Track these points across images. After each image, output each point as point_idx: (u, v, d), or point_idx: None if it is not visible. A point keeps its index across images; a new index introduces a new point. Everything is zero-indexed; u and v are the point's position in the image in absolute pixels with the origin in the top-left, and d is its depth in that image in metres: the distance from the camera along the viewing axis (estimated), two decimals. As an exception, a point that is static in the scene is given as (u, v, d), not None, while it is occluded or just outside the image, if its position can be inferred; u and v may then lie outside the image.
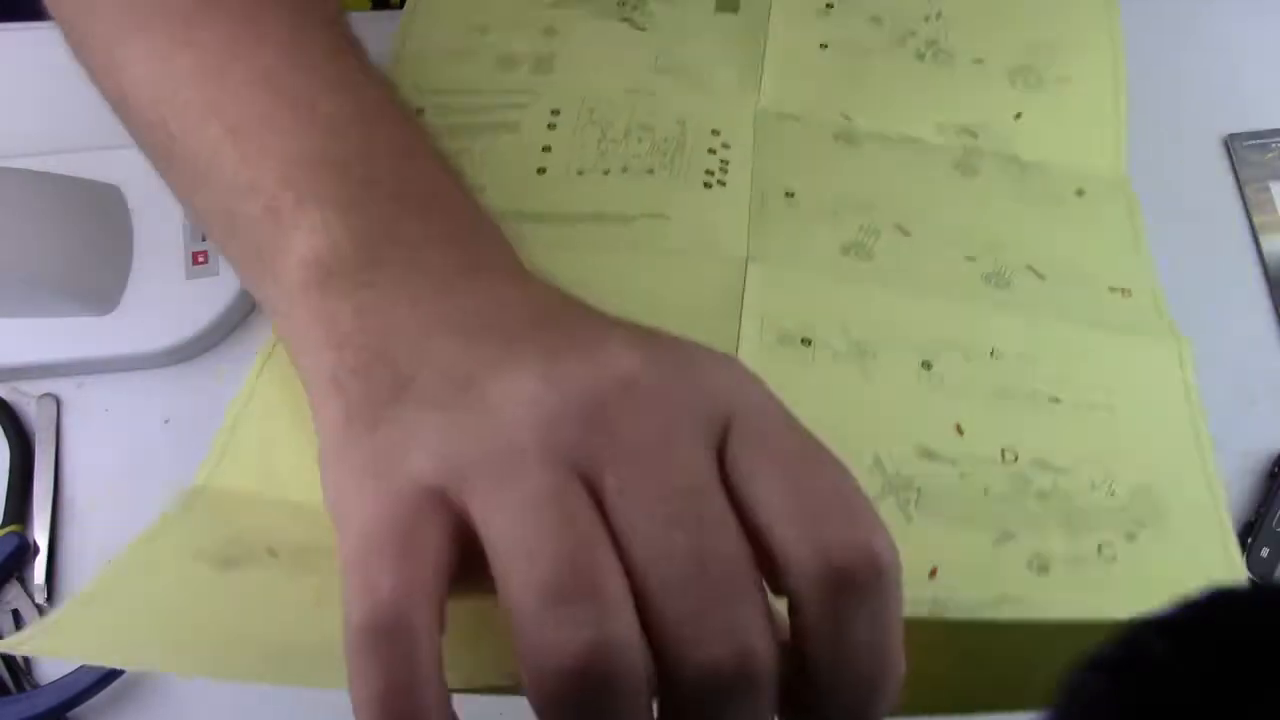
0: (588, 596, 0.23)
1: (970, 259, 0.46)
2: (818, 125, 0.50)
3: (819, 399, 0.42)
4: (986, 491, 0.40)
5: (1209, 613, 0.27)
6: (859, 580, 0.24)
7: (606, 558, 0.24)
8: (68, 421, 0.55)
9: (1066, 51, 0.55)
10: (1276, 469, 0.54)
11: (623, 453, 0.25)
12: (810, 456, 0.26)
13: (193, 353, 0.56)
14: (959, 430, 0.42)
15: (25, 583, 0.52)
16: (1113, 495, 0.41)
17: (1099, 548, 0.40)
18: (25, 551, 0.52)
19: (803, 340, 0.43)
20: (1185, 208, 0.60)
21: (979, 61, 0.53)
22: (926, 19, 0.54)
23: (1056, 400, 0.43)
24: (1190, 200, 0.60)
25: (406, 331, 0.29)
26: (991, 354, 0.44)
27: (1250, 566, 0.53)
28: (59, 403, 0.55)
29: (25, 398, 0.55)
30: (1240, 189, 0.60)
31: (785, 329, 0.43)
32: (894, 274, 0.45)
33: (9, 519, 0.53)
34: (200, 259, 0.55)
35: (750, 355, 0.43)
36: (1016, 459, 0.41)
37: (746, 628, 0.24)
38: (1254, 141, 0.61)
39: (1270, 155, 0.60)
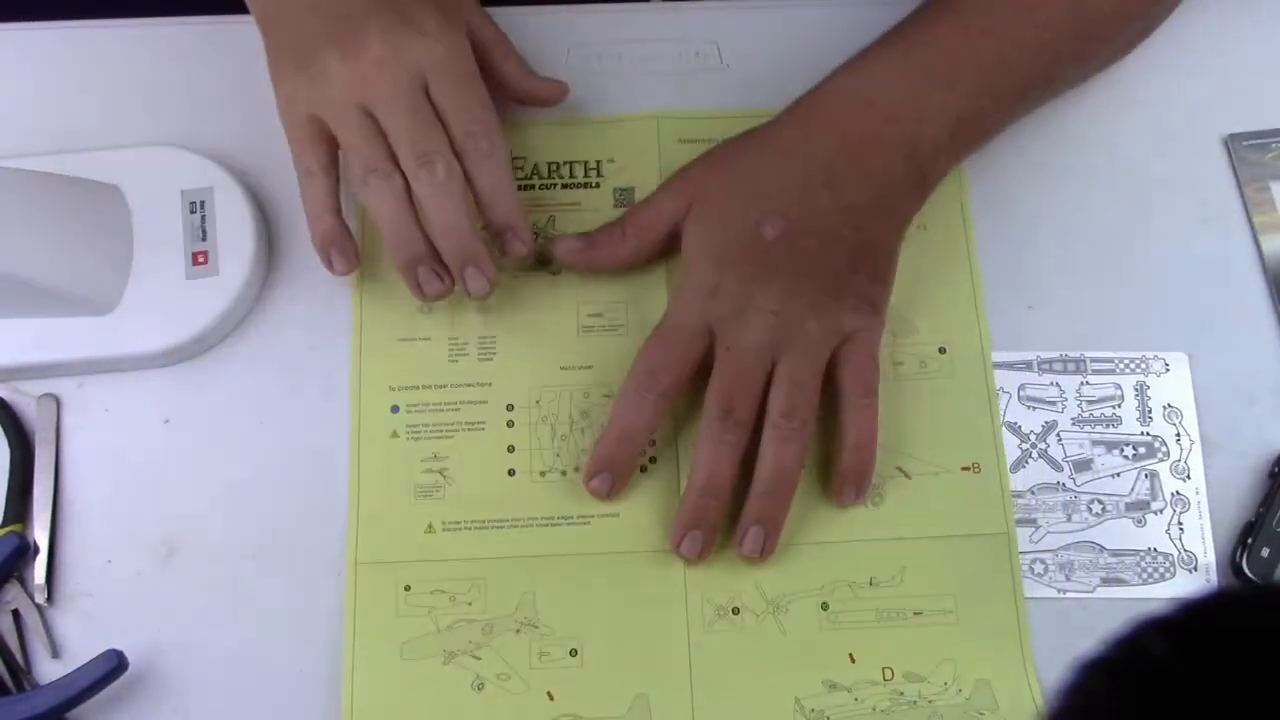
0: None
1: None
2: None
3: (750, 657, 0.53)
4: (874, 709, 0.52)
5: (1209, 612, 0.27)
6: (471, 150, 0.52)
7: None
8: (68, 421, 0.55)
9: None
10: (1276, 469, 0.54)
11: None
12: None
13: (193, 353, 0.56)
14: (851, 659, 0.52)
15: (25, 583, 0.52)
16: (960, 692, 0.52)
17: None
18: (25, 551, 0.52)
19: (733, 610, 0.53)
20: (1185, 208, 0.60)
21: None
22: None
23: (919, 613, 0.53)
24: (1190, 200, 0.60)
25: None
26: (871, 582, 0.54)
27: (1250, 566, 0.53)
28: (59, 403, 0.55)
29: (25, 398, 0.55)
30: (1240, 189, 0.60)
31: (720, 604, 0.53)
32: (793, 520, 0.53)
33: (9, 519, 0.53)
34: (200, 259, 0.55)
35: (696, 632, 0.53)
36: (893, 675, 0.52)
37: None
38: (1254, 141, 0.61)
39: (1270, 155, 0.60)
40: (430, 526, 0.54)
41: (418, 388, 0.56)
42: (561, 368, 0.56)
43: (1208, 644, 0.26)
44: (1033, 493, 0.55)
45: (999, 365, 0.57)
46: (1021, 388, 0.56)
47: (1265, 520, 0.53)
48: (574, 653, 0.52)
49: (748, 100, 0.60)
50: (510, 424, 0.56)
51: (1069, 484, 0.55)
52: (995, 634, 0.53)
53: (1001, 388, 0.56)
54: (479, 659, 0.52)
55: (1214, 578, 0.54)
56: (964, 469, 0.55)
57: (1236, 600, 0.28)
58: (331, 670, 0.52)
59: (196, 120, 0.59)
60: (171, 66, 0.60)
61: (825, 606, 0.53)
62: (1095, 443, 0.56)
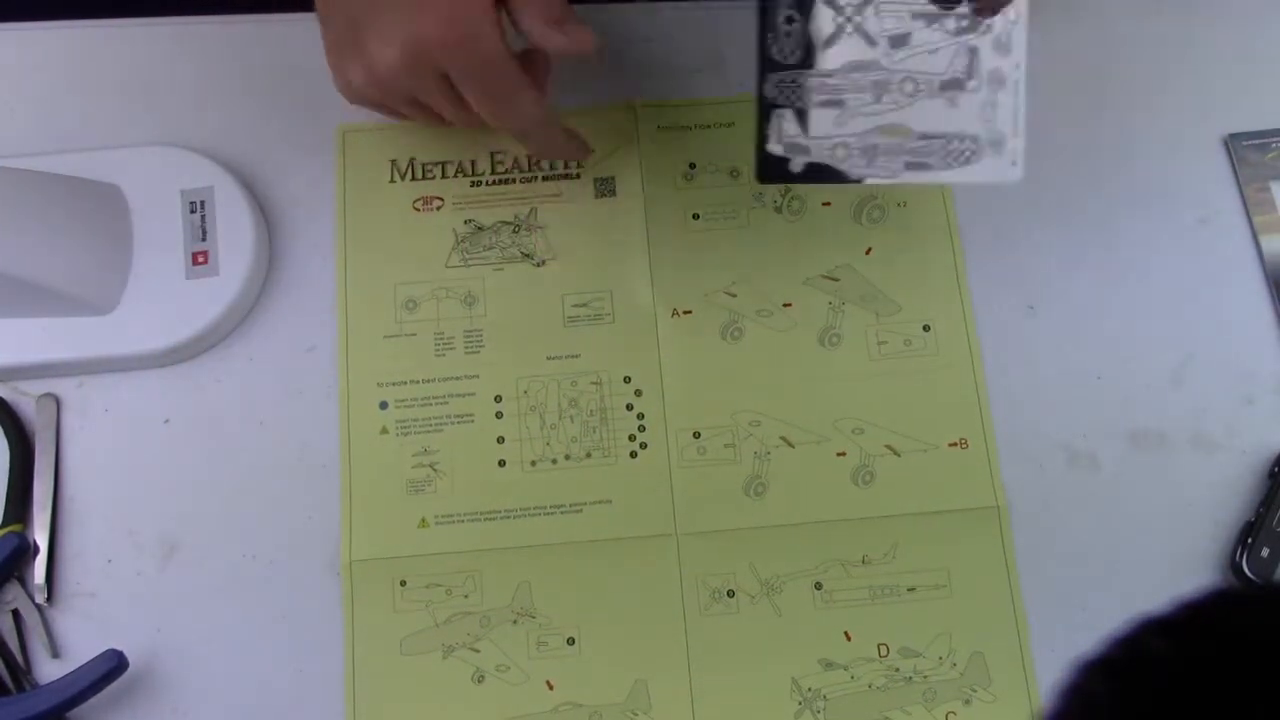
0: None
1: (841, 455, 0.56)
2: (708, 320, 0.57)
3: (746, 639, 0.53)
4: (870, 686, 0.53)
5: (1209, 612, 0.27)
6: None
7: None
8: (68, 421, 0.55)
9: None
10: (1276, 469, 0.54)
11: None
12: None
13: (193, 353, 0.56)
14: (847, 637, 0.53)
15: (25, 583, 0.52)
16: (954, 666, 0.53)
17: (946, 715, 0.53)
18: (25, 551, 0.52)
19: (728, 593, 0.54)
20: (1185, 208, 0.60)
21: (827, 204, 0.59)
22: None
23: (912, 589, 0.54)
24: (1190, 200, 0.60)
25: None
26: (863, 560, 0.54)
27: (1250, 566, 0.53)
28: (59, 403, 0.55)
29: (25, 398, 0.55)
30: (1240, 189, 0.60)
31: (715, 587, 0.54)
32: (785, 502, 0.55)
33: (9, 519, 0.53)
34: (200, 259, 0.55)
35: (692, 615, 0.54)
36: (888, 651, 0.53)
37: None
38: (1254, 141, 0.61)
39: (1270, 155, 0.60)
40: (423, 521, 0.54)
41: (405, 383, 0.56)
42: (548, 357, 0.57)
43: (1207, 644, 0.26)
44: (842, 72, 0.50)
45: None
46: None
47: (1265, 520, 0.53)
48: (571, 641, 0.53)
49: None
50: (499, 415, 0.56)
51: (882, 61, 0.50)
52: (988, 606, 0.54)
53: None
54: (478, 651, 0.52)
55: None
56: (951, 445, 0.56)
57: (1236, 600, 0.28)
58: (332, 668, 0.52)
59: (196, 120, 0.59)
60: (171, 66, 0.60)
61: (819, 586, 0.54)
62: (916, 15, 0.50)
